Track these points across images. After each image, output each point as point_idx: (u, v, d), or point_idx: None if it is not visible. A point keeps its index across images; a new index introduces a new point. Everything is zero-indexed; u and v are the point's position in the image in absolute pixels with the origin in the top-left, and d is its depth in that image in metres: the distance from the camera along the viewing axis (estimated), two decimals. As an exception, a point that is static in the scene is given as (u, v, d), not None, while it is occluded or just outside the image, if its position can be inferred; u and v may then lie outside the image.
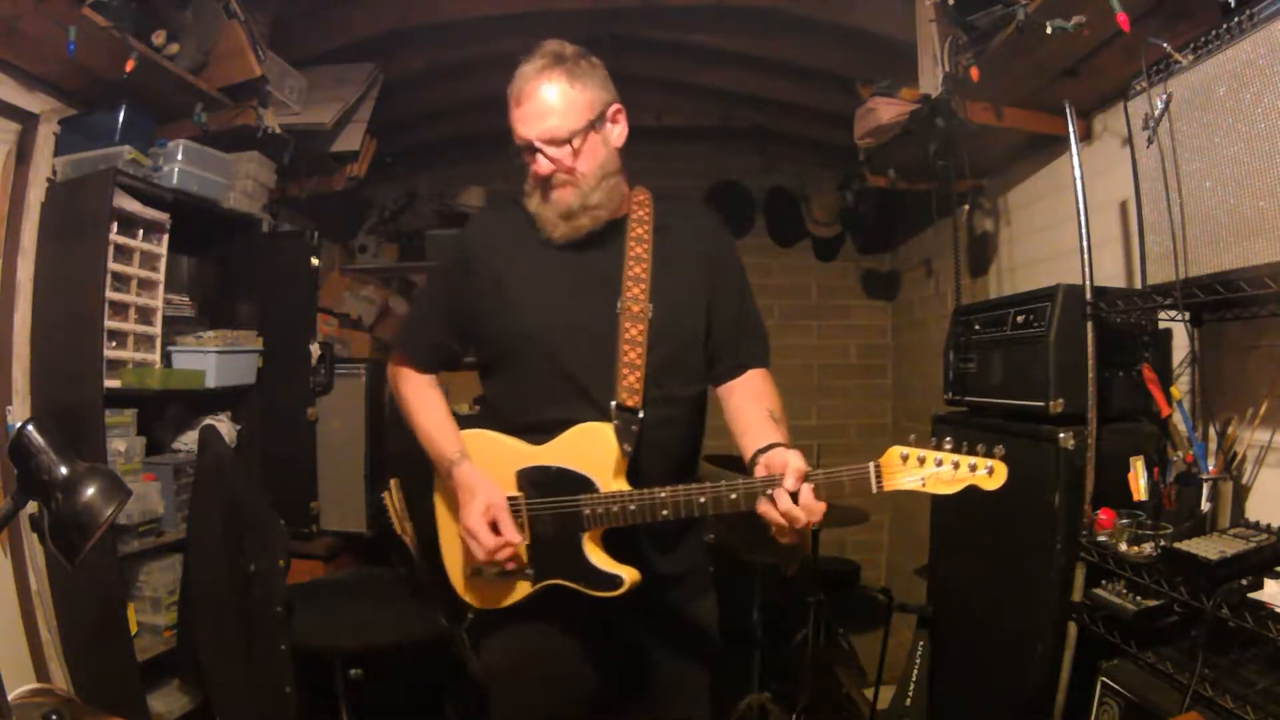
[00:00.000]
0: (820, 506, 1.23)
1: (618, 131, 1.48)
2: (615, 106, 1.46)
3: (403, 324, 1.69)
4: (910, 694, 2.52)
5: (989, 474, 1.18)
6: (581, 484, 1.38)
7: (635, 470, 1.39)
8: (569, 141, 1.38)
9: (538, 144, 1.38)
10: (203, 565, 2.19)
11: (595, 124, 1.41)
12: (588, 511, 1.36)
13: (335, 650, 2.33)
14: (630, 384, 1.39)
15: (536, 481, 1.41)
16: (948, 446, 1.20)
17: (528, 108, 1.39)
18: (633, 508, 1.34)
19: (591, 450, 1.38)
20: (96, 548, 1.18)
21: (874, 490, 1.22)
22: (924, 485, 1.20)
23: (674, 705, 1.54)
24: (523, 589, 1.44)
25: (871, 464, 1.22)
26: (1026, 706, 1.92)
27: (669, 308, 1.44)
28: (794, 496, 1.23)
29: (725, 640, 1.63)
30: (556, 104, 1.38)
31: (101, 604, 2.09)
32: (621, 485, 1.37)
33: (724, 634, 1.62)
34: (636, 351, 1.41)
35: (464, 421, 1.54)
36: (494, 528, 1.37)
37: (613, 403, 1.38)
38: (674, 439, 1.47)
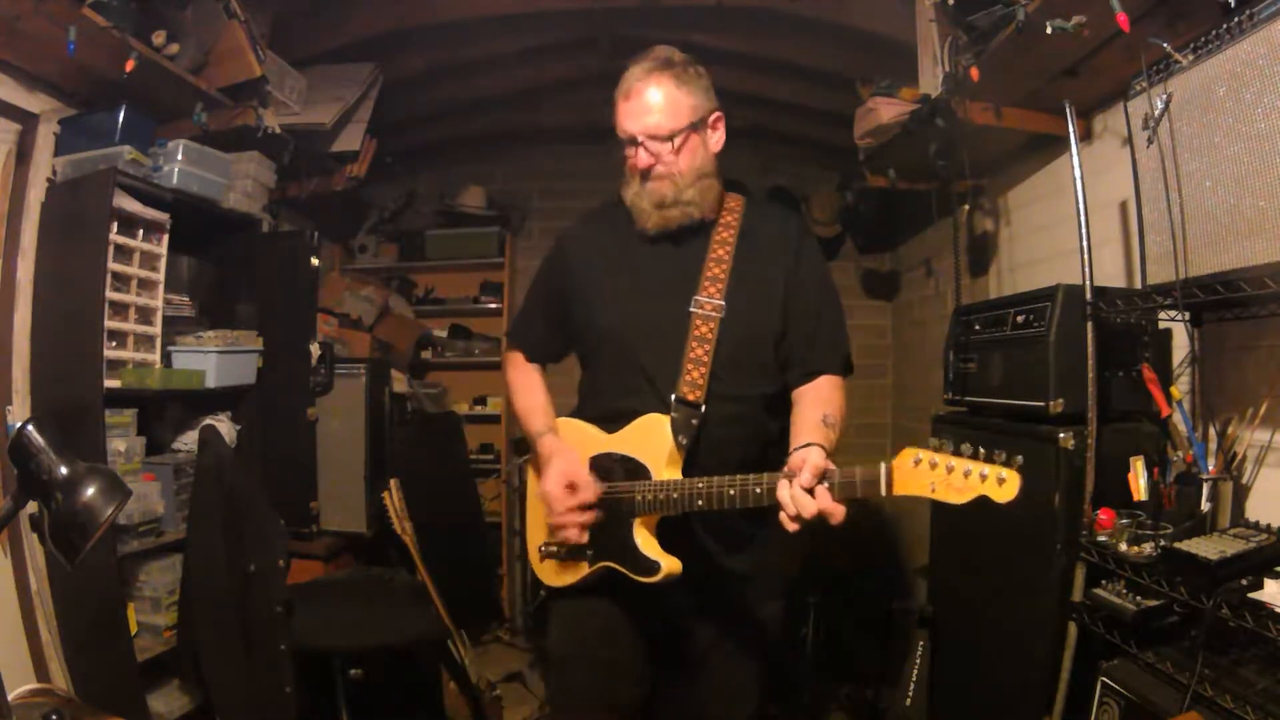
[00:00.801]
0: (837, 507, 1.23)
1: (716, 138, 1.56)
2: (717, 114, 1.55)
3: (517, 313, 1.85)
4: (910, 694, 2.52)
5: (1000, 484, 1.13)
6: (638, 471, 1.46)
7: (692, 464, 1.45)
8: (670, 139, 1.47)
9: (641, 138, 1.47)
10: (203, 565, 2.19)
11: (696, 126, 1.50)
12: (639, 498, 1.44)
13: (335, 650, 2.33)
14: (693, 379, 1.46)
15: (603, 467, 1.51)
16: (966, 452, 1.17)
17: (634, 104, 1.48)
18: (675, 496, 1.40)
19: (650, 440, 1.46)
20: (96, 548, 1.18)
21: (883, 493, 1.21)
22: (933, 492, 1.17)
23: (714, 703, 1.60)
24: (581, 569, 1.53)
25: (883, 465, 1.21)
26: (1026, 706, 1.92)
27: (741, 307, 1.50)
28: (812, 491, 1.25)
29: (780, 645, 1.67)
30: (662, 103, 1.47)
31: (101, 604, 2.09)
32: (675, 475, 1.43)
33: None
34: (704, 348, 1.47)
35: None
36: (570, 489, 1.45)
37: (673, 396, 1.46)
38: (738, 436, 1.51)
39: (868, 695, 3.09)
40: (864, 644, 3.51)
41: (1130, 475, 1.82)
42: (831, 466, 1.25)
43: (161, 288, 2.38)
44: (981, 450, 1.16)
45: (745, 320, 1.50)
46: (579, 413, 1.63)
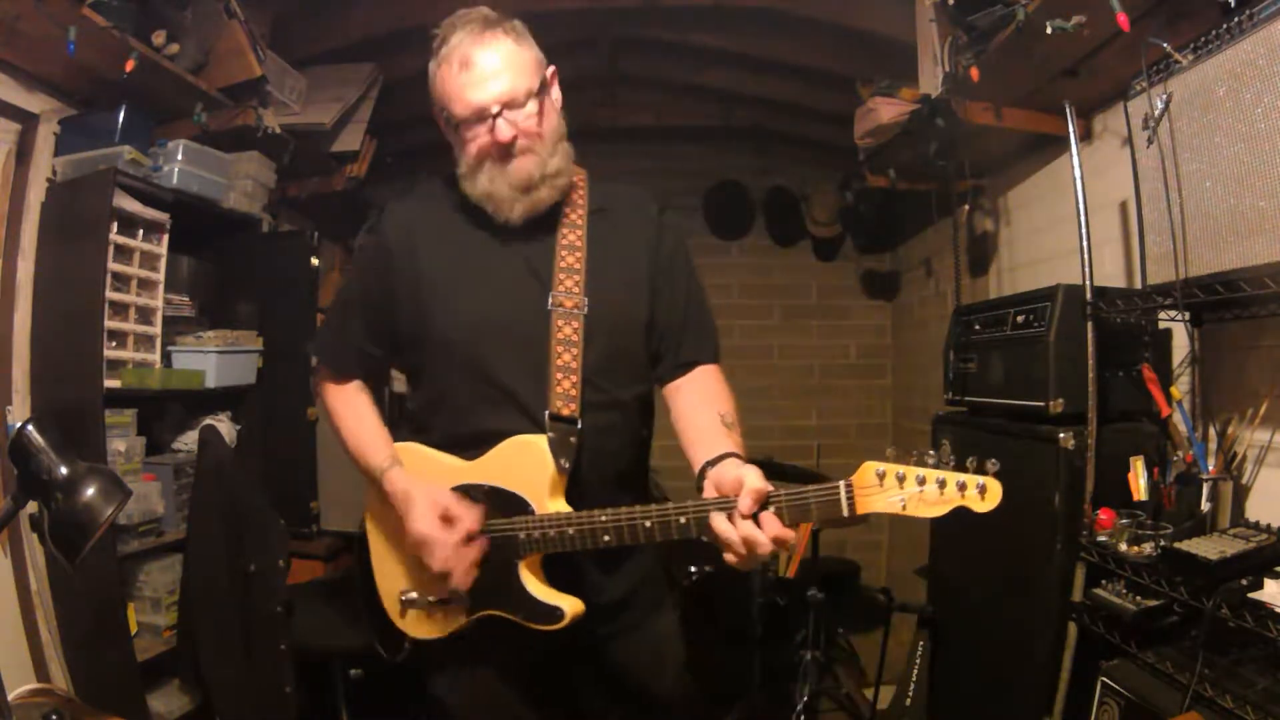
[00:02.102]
0: (788, 533, 1.08)
1: (557, 95, 1.34)
2: (552, 69, 1.34)
3: (319, 328, 1.54)
4: (910, 694, 2.52)
5: (980, 494, 1.02)
6: (516, 505, 1.24)
7: (575, 487, 1.26)
8: (528, 101, 1.25)
9: (496, 108, 1.23)
10: (203, 565, 2.19)
11: (545, 85, 1.30)
12: (523, 536, 1.23)
13: (335, 650, 2.33)
14: (565, 390, 1.25)
15: (469, 502, 1.26)
16: (931, 461, 1.04)
17: (478, 71, 1.23)
18: (571, 532, 1.20)
19: (525, 467, 1.24)
20: (96, 548, 1.18)
21: (844, 514, 1.06)
22: (904, 509, 1.03)
23: None
24: (457, 619, 1.30)
25: (842, 483, 1.06)
26: (1027, 707, 1.92)
27: (606, 301, 1.30)
28: (756, 519, 1.08)
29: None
30: (510, 63, 1.25)
31: (101, 604, 2.09)
32: (560, 506, 1.23)
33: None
34: (571, 353, 1.27)
35: (396, 436, 1.40)
36: (445, 522, 1.22)
37: (546, 412, 1.25)
38: (617, 449, 1.32)
39: (868, 695, 3.09)
40: (864, 644, 3.51)
41: (1130, 475, 1.82)
42: (770, 487, 1.09)
43: (161, 288, 2.37)
44: (952, 459, 1.04)
45: (611, 315, 1.30)
46: (418, 436, 1.36)
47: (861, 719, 2.94)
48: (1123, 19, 1.61)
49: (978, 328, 2.24)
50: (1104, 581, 1.76)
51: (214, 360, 2.49)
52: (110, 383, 2.13)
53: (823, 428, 4.31)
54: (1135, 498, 1.81)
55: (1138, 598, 1.66)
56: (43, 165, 2.24)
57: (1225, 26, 1.46)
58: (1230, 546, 1.50)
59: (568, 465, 1.24)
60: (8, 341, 2.15)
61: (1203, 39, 1.52)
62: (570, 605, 1.24)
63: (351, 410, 1.41)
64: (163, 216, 2.35)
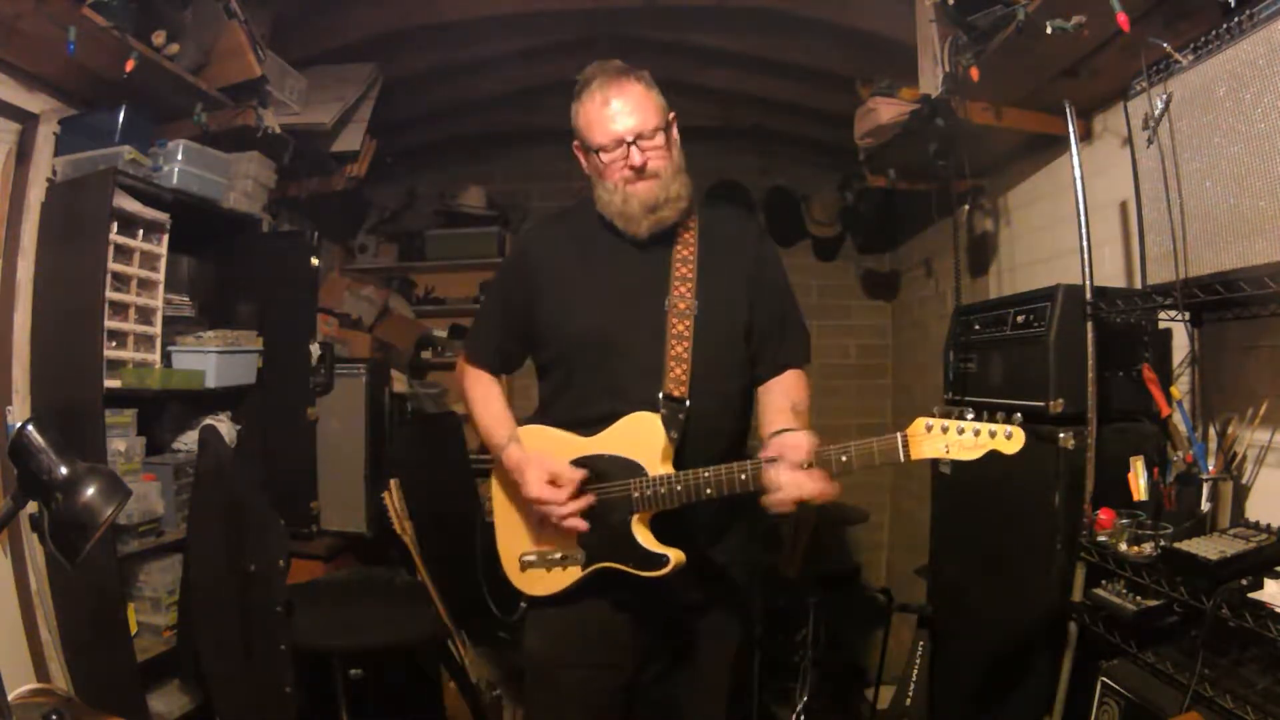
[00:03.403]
0: (831, 485, 1.34)
1: (677, 136, 1.59)
2: (672, 114, 1.58)
3: (471, 326, 1.86)
4: (910, 694, 2.52)
5: (1009, 438, 1.27)
6: (630, 469, 1.47)
7: (681, 459, 1.48)
8: (656, 134, 1.50)
9: (630, 137, 1.48)
10: (203, 565, 2.19)
11: (668, 125, 1.55)
12: (636, 494, 1.46)
13: (335, 650, 2.33)
14: (677, 376, 1.49)
15: (588, 469, 1.50)
16: (969, 416, 1.28)
17: (618, 105, 1.49)
18: (680, 488, 1.43)
19: (640, 437, 1.48)
20: (96, 548, 1.18)
21: (901, 458, 1.31)
22: (948, 452, 1.28)
23: (693, 698, 1.64)
24: (573, 574, 1.54)
25: (899, 434, 1.31)
26: (1027, 707, 1.92)
27: (713, 306, 1.54)
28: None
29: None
30: (643, 102, 1.51)
31: (101, 604, 2.09)
32: (669, 470, 1.46)
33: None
34: (683, 346, 1.51)
35: (520, 420, 1.64)
36: (554, 485, 1.47)
37: (660, 393, 1.48)
38: (718, 430, 1.55)
39: (868, 695, 3.09)
40: (864, 644, 3.51)
41: (1130, 475, 1.82)
42: (821, 445, 1.36)
43: (161, 288, 2.37)
44: (985, 413, 1.29)
45: (718, 318, 1.55)
46: (543, 419, 1.62)
47: (861, 719, 2.95)
48: (1123, 19, 1.61)
49: (978, 328, 2.24)
50: (1104, 581, 1.76)
51: (214, 360, 2.49)
52: (110, 383, 2.13)
53: (823, 428, 4.24)
54: (1135, 498, 1.81)
55: (1138, 598, 1.66)
56: (43, 165, 2.24)
57: (1225, 26, 1.46)
58: (1230, 546, 1.50)
59: (676, 436, 1.47)
60: (8, 341, 2.15)
61: (1203, 39, 1.52)
62: (675, 555, 1.45)
63: (483, 394, 1.68)
64: (163, 216, 2.35)
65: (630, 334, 1.53)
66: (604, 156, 1.52)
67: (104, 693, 2.09)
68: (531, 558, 1.57)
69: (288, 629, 2.14)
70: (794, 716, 2.75)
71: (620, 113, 1.50)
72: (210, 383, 2.47)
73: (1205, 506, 1.68)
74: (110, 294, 2.15)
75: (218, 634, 2.12)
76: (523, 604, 1.63)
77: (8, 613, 2.07)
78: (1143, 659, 1.63)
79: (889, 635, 2.94)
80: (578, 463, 1.51)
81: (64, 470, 1.15)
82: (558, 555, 1.55)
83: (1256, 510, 1.68)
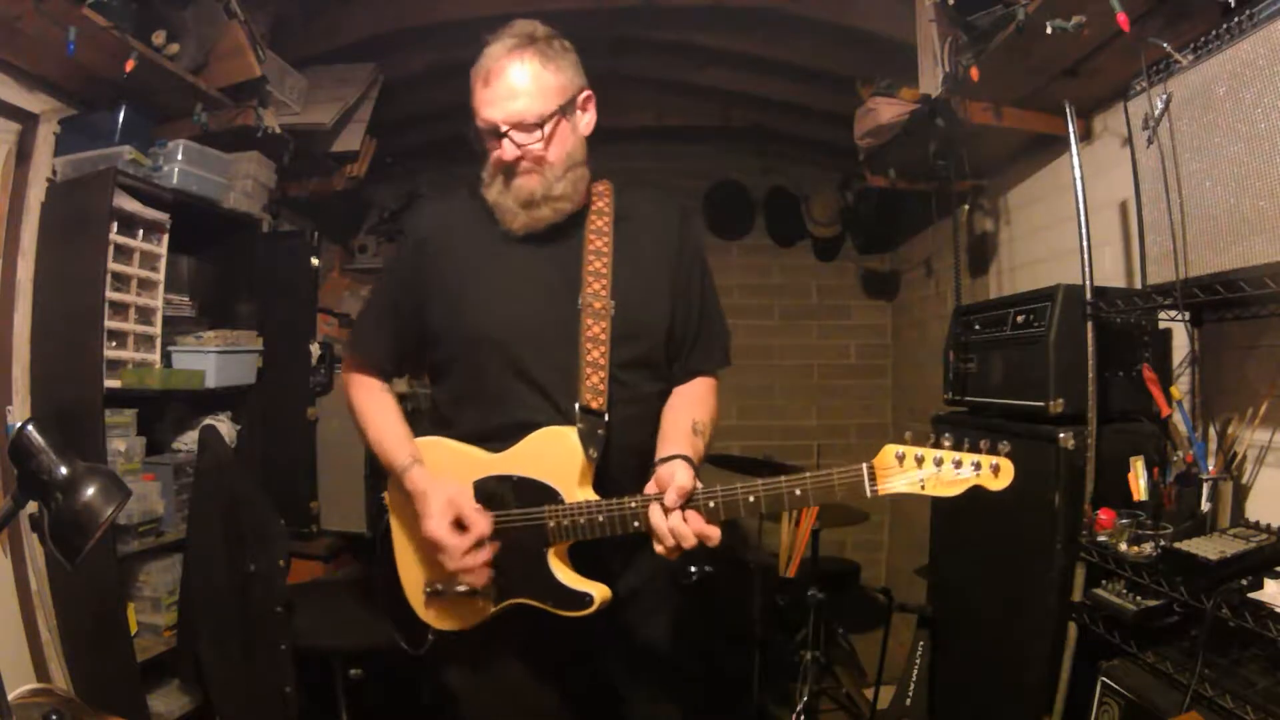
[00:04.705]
0: (712, 530, 1.18)
1: (587, 120, 1.40)
2: (586, 93, 1.39)
3: (353, 327, 1.60)
4: (910, 694, 2.52)
5: (994, 473, 1.08)
6: (545, 494, 1.28)
7: (599, 478, 1.31)
8: (539, 126, 1.30)
9: (504, 127, 1.30)
10: (203, 565, 2.19)
11: (565, 110, 1.34)
12: (552, 524, 1.27)
13: (335, 650, 2.33)
14: (594, 384, 1.30)
15: (495, 493, 1.31)
16: (947, 444, 1.11)
17: (496, 88, 1.30)
18: (601, 519, 1.24)
19: (555, 457, 1.29)
20: (96, 548, 1.18)
21: (868, 494, 1.13)
22: (923, 488, 1.10)
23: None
24: (484, 609, 1.34)
25: (865, 465, 1.13)
26: (1027, 707, 1.92)
27: (632, 304, 1.36)
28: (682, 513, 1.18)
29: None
30: (527, 86, 1.30)
31: (101, 604, 2.09)
32: (588, 494, 1.28)
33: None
34: (600, 350, 1.32)
35: (416, 430, 1.44)
36: (458, 526, 1.27)
37: (576, 405, 1.30)
38: (639, 442, 1.35)
39: (868, 695, 3.09)
40: (864, 644, 3.51)
41: (1130, 475, 1.82)
42: (697, 486, 1.20)
43: (161, 288, 2.37)
44: (966, 440, 1.12)
45: (636, 317, 1.36)
46: (444, 431, 1.40)
47: (861, 719, 2.94)
48: (1123, 19, 1.61)
49: (978, 328, 2.24)
50: (1104, 581, 1.76)
51: (214, 360, 2.49)
52: (110, 383, 2.13)
53: (822, 428, 4.31)
54: (1135, 498, 1.81)
55: (1138, 598, 1.66)
56: (43, 165, 2.24)
57: (1225, 26, 1.46)
58: (1230, 546, 1.50)
59: (596, 455, 1.28)
60: (8, 341, 2.15)
61: (1203, 39, 1.52)
62: (599, 591, 1.28)
63: (376, 407, 1.46)
64: (163, 216, 2.35)
65: (538, 335, 1.33)
66: (484, 141, 1.34)
67: (104, 693, 2.09)
68: (439, 587, 1.35)
69: (288, 629, 2.13)
70: (794, 716, 2.75)
71: (498, 96, 1.30)
72: (210, 383, 2.47)
73: (1205, 506, 1.68)
74: (110, 294, 2.15)
75: (218, 634, 2.12)
76: (430, 636, 1.41)
77: (8, 613, 2.07)
78: (1143, 659, 1.63)
79: (889, 635, 2.93)
80: (484, 484, 1.31)
81: (64, 470, 1.15)
82: (465, 588, 1.32)
83: (1256, 510, 1.68)
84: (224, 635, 2.11)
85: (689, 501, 1.20)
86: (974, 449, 1.10)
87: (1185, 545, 1.54)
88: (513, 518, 1.30)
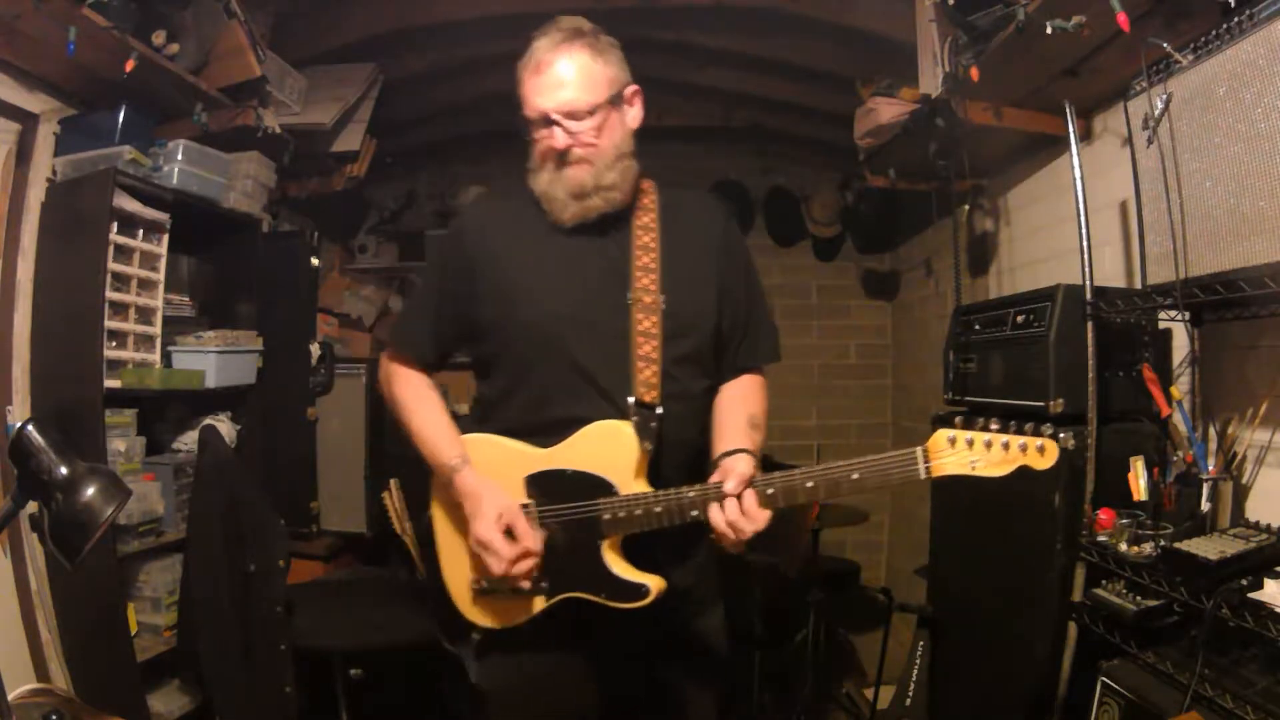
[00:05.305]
0: (763, 514, 1.20)
1: (634, 114, 1.42)
2: (633, 88, 1.42)
3: (397, 318, 1.61)
4: (910, 694, 2.52)
5: (1041, 452, 1.13)
6: (599, 487, 1.29)
7: (653, 472, 1.32)
8: (589, 115, 1.32)
9: (555, 116, 1.32)
10: (203, 565, 2.19)
11: (614, 101, 1.36)
12: (608, 516, 1.28)
13: (335, 650, 2.33)
14: (647, 378, 1.31)
15: (549, 487, 1.32)
16: (995, 426, 1.15)
17: (547, 78, 1.32)
18: (659, 509, 1.26)
19: (609, 451, 1.30)
20: (96, 548, 1.18)
21: (922, 477, 1.16)
22: (973, 469, 1.15)
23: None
24: (536, 604, 1.34)
25: (918, 449, 1.16)
26: (1027, 706, 1.92)
27: (681, 299, 1.37)
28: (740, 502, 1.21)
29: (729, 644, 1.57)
30: (578, 76, 1.32)
31: (101, 604, 2.09)
32: (643, 487, 1.29)
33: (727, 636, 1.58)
34: (652, 344, 1.33)
35: (461, 425, 1.44)
36: (509, 535, 1.28)
37: (630, 398, 1.30)
38: (689, 437, 1.38)
39: (868, 695, 3.09)
40: (864, 644, 3.51)
41: (1130, 475, 1.82)
42: (757, 474, 1.23)
43: (161, 288, 2.37)
44: (1012, 423, 1.17)
45: (686, 312, 1.37)
46: (490, 426, 1.40)
47: (861, 719, 2.95)
48: (1123, 19, 1.61)
49: (978, 328, 2.24)
50: (1104, 581, 1.76)
51: (214, 360, 2.49)
52: (110, 383, 2.13)
53: (823, 428, 4.31)
54: (1135, 498, 1.81)
55: (1138, 598, 1.66)
56: (43, 165, 2.24)
57: (1225, 26, 1.46)
58: (1230, 546, 1.50)
59: (650, 448, 1.29)
60: (8, 341, 2.15)
61: (1203, 39, 1.52)
62: (655, 582, 1.29)
63: (421, 403, 1.45)
64: (163, 216, 2.35)
65: (589, 328, 1.33)
66: (534, 131, 1.35)
67: (104, 693, 2.09)
68: (484, 585, 1.36)
69: (288, 629, 2.14)
70: (794, 717, 2.75)
71: (549, 86, 1.32)
72: (210, 383, 2.47)
73: (1205, 506, 1.68)
74: (110, 294, 2.15)
75: (218, 634, 2.12)
76: (475, 635, 1.42)
77: (8, 613, 2.07)
78: (1143, 659, 1.63)
79: (889, 635, 2.94)
80: (536, 479, 1.33)
81: (64, 470, 1.15)
82: (521, 585, 1.33)
83: (1256, 510, 1.68)
84: (224, 635, 2.11)
85: (748, 487, 1.22)
86: (1020, 431, 1.14)
87: (1185, 545, 1.54)
88: (566, 511, 1.31)
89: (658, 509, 1.26)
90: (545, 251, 1.38)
